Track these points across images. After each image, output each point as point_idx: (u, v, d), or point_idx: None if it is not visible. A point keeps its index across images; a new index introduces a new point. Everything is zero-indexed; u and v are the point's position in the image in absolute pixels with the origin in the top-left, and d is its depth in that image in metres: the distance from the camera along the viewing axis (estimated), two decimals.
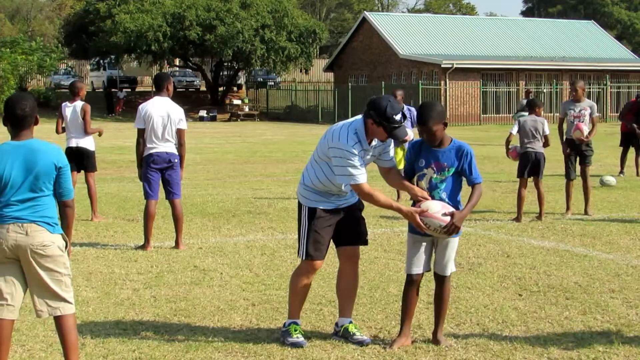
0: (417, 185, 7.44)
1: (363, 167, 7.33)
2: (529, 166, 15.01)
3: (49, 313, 6.41)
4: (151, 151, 12.17)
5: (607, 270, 10.63)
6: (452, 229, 7.15)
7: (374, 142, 7.44)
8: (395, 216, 14.76)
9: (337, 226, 7.66)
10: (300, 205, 7.73)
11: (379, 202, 7.41)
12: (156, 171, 12.23)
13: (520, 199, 14.90)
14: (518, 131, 15.08)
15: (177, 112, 12.28)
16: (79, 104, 14.99)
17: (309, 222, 7.58)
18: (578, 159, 15.50)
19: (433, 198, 7.33)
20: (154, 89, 12.84)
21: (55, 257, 6.32)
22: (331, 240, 7.73)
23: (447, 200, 7.34)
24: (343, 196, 7.61)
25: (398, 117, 7.19)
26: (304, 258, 7.63)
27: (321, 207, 7.56)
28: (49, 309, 6.39)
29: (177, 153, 12.32)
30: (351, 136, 7.27)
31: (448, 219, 7.12)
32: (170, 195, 12.37)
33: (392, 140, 7.55)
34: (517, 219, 14.81)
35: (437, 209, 7.16)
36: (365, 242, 7.86)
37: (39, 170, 6.28)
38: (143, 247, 12.21)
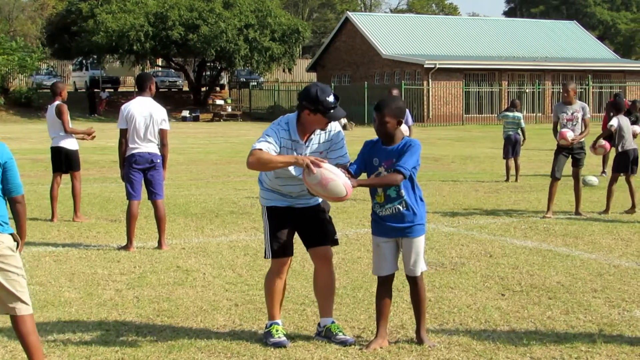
0: None
1: (270, 142, 7.24)
2: (630, 163, 15.92)
3: (5, 311, 6.29)
4: (133, 151, 12.16)
5: (590, 269, 10.67)
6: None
7: (316, 137, 7.47)
8: None
9: (304, 229, 7.69)
10: (261, 207, 7.78)
11: (272, 162, 7.20)
12: (138, 171, 12.21)
13: (610, 194, 15.88)
14: (616, 130, 16.02)
15: (159, 112, 12.27)
16: (55, 104, 15.01)
17: (268, 220, 7.64)
18: (571, 160, 15.47)
19: (389, 197, 7.31)
20: (136, 89, 12.80)
21: (6, 257, 6.17)
22: (303, 243, 7.76)
23: (406, 197, 7.29)
24: (302, 196, 7.61)
25: (331, 98, 7.23)
26: (269, 257, 7.67)
27: (276, 205, 7.62)
28: (5, 308, 6.27)
29: (159, 153, 12.31)
30: (281, 124, 7.41)
31: (334, 176, 6.98)
32: (152, 195, 12.36)
33: (342, 136, 7.58)
34: (606, 211, 15.70)
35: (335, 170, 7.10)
36: (335, 242, 7.83)
37: None
38: (126, 247, 12.18)
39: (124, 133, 12.23)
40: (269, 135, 7.31)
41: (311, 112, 7.27)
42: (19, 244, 6.35)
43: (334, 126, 7.52)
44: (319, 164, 7.02)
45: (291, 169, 7.40)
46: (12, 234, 6.31)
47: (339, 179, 7.00)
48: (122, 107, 12.38)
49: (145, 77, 12.52)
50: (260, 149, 7.18)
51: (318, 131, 7.49)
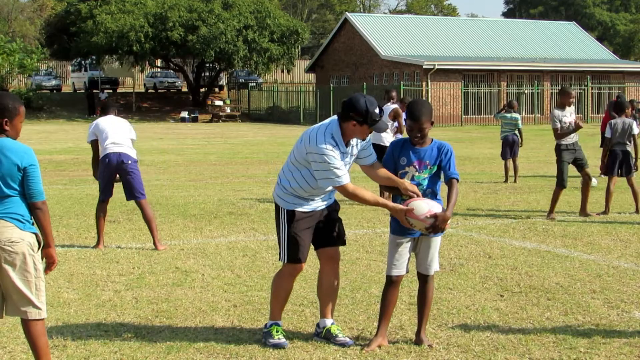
0: None
1: (344, 168, 7.33)
2: (618, 164, 15.95)
3: (17, 314, 6.30)
4: (106, 152, 12.43)
5: (588, 270, 10.67)
6: (435, 230, 7.19)
7: (352, 142, 7.47)
8: (377, 217, 14.79)
9: (316, 228, 7.65)
10: (277, 208, 7.69)
11: (366, 200, 7.43)
12: (109, 173, 12.47)
13: (609, 194, 15.86)
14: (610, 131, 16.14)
15: (125, 122, 12.86)
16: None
17: (288, 225, 7.55)
18: (575, 166, 15.44)
19: (424, 195, 7.36)
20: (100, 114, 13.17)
21: (25, 255, 6.18)
22: (312, 243, 7.74)
23: (428, 194, 7.38)
24: (321, 199, 7.61)
25: (377, 110, 7.29)
26: (285, 262, 7.62)
27: (299, 210, 7.57)
28: (16, 311, 6.28)
29: (132, 154, 12.46)
30: (328, 140, 7.27)
31: (432, 221, 7.15)
32: (131, 197, 12.49)
33: (369, 137, 7.64)
34: (605, 212, 15.74)
35: (423, 212, 7.16)
36: (344, 243, 7.86)
37: (2, 169, 6.18)
38: (95, 245, 12.44)
39: (94, 144, 12.64)
40: (336, 163, 7.27)
41: (358, 123, 7.28)
42: (41, 244, 6.33)
43: None
44: (406, 221, 7.25)
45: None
46: (35, 234, 6.30)
47: (426, 222, 7.21)
48: (89, 126, 12.81)
49: (109, 105, 13.21)
50: (348, 183, 7.33)
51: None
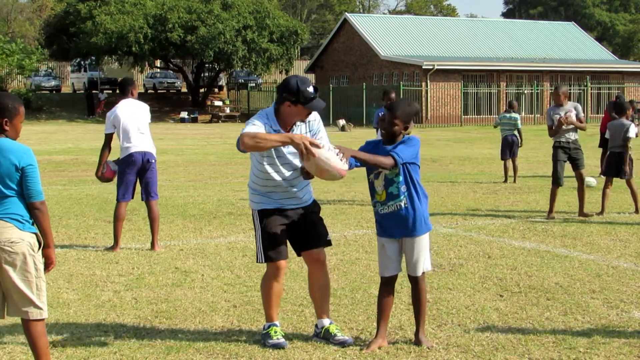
0: (374, 183, 7.44)
1: (260, 127, 7.33)
2: (615, 166, 15.90)
3: (19, 314, 6.30)
4: (130, 151, 12.19)
5: (588, 270, 10.67)
6: (340, 153, 6.97)
7: (297, 129, 7.52)
8: None
9: (296, 232, 7.65)
10: (252, 212, 7.76)
11: (269, 140, 7.16)
12: (134, 173, 12.25)
13: (604, 195, 15.80)
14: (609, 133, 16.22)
15: (144, 108, 12.55)
16: None
17: (260, 224, 7.60)
18: (570, 165, 15.45)
19: (391, 194, 7.34)
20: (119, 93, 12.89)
21: (25, 256, 6.18)
22: (293, 247, 7.76)
23: (407, 195, 7.33)
24: (290, 195, 7.61)
25: (310, 88, 7.33)
26: (264, 262, 7.61)
27: (267, 208, 7.58)
28: (17, 311, 6.28)
29: (154, 153, 12.37)
30: (262, 115, 7.49)
31: (329, 167, 6.96)
32: (149, 196, 12.38)
33: (322, 125, 7.67)
34: (601, 213, 15.64)
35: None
36: (328, 243, 7.82)
37: (1, 170, 6.17)
38: (112, 248, 12.25)
39: (109, 137, 12.37)
40: (255, 122, 7.38)
41: (292, 103, 7.35)
42: (42, 244, 6.33)
43: (314, 116, 7.59)
44: (314, 150, 6.94)
45: (290, 156, 7.45)
46: (35, 234, 6.30)
47: (333, 169, 6.97)
48: (108, 113, 12.50)
49: (127, 82, 12.71)
50: (249, 131, 7.25)
51: (298, 123, 7.55)
